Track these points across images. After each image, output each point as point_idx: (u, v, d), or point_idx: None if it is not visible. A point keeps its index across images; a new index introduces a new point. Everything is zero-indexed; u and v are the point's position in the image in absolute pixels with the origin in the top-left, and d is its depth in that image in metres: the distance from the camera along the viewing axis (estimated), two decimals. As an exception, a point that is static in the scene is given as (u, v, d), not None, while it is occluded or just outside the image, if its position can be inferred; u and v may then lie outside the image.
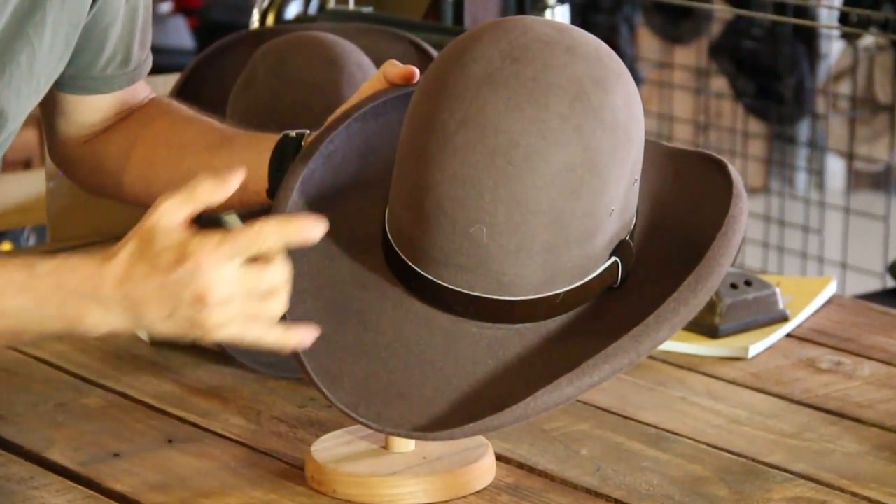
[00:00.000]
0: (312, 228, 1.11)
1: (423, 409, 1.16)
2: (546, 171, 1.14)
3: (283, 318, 1.17)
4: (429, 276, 1.18)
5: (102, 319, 1.13)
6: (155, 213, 1.12)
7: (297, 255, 1.21)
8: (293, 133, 1.32)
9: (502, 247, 1.15)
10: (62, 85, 1.38)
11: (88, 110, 1.41)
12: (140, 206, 1.43)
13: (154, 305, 1.11)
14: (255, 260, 1.11)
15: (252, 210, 1.37)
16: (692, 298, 1.16)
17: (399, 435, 1.18)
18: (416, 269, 1.19)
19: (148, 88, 1.45)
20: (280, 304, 1.12)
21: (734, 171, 1.23)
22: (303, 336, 1.14)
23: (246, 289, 1.10)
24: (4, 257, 1.15)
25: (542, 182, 1.14)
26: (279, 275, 1.12)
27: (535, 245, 1.16)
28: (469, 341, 1.19)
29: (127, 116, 1.42)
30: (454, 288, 1.18)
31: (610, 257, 1.20)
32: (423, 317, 1.19)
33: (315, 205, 1.24)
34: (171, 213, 1.12)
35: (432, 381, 1.17)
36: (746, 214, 1.20)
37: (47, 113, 1.43)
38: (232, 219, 1.52)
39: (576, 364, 1.14)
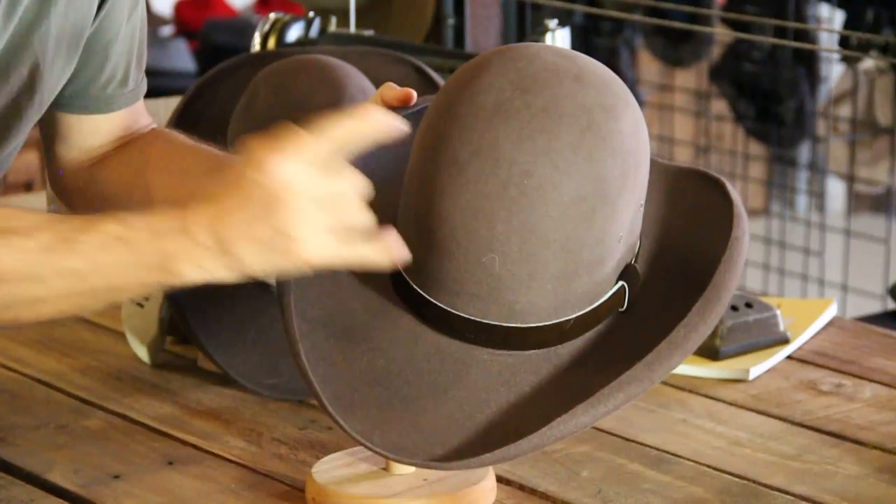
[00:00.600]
0: (388, 119, 1.10)
1: (437, 438, 1.16)
2: (558, 201, 1.14)
3: (296, 349, 1.17)
4: (441, 305, 1.18)
5: (196, 264, 1.11)
6: (247, 153, 1.12)
7: (305, 283, 1.21)
8: None
9: (514, 275, 1.16)
10: (63, 105, 1.38)
11: (88, 132, 1.41)
12: None
13: (247, 241, 1.10)
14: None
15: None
16: (701, 324, 1.16)
17: (416, 465, 1.18)
18: (428, 297, 1.19)
19: (149, 118, 1.45)
20: (366, 212, 1.11)
21: (732, 189, 1.24)
22: (397, 251, 1.13)
23: (330, 196, 1.09)
24: (97, 214, 1.14)
25: (554, 211, 1.14)
26: (356, 179, 1.11)
27: (547, 273, 1.16)
28: (481, 369, 1.19)
29: (127, 143, 1.43)
30: (466, 316, 1.18)
31: (617, 282, 1.20)
32: (435, 345, 1.20)
33: None
34: (264, 152, 1.11)
35: (446, 410, 1.17)
36: (748, 235, 1.21)
37: (48, 138, 1.43)
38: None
39: (589, 391, 1.14)
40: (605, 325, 1.21)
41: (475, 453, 1.14)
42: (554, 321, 1.18)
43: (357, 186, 1.12)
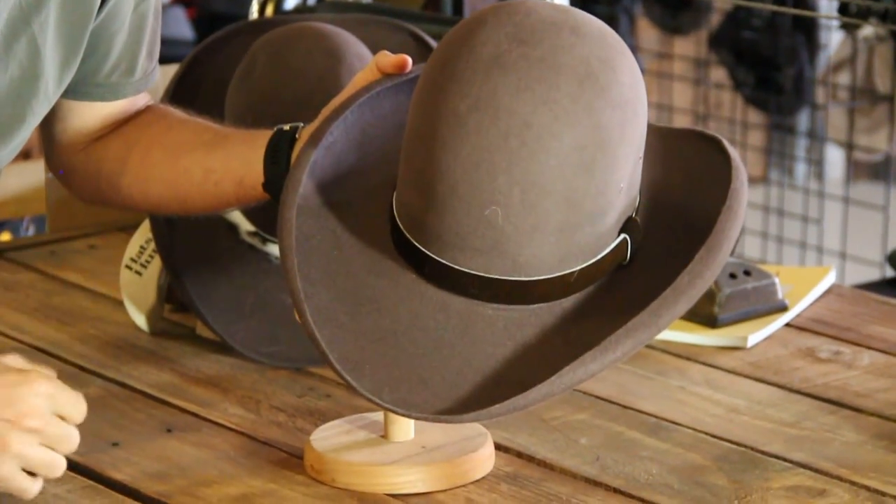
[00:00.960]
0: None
1: (446, 392, 1.16)
2: (559, 151, 1.14)
3: (302, 309, 1.17)
4: (443, 261, 1.18)
5: None
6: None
7: (306, 245, 1.21)
8: (287, 127, 1.32)
9: (517, 227, 1.16)
10: (66, 92, 1.38)
11: (90, 117, 1.40)
12: (136, 209, 1.43)
13: None
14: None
15: (249, 205, 1.37)
16: (706, 271, 1.16)
17: (426, 419, 1.18)
18: (430, 254, 1.19)
19: (147, 96, 1.44)
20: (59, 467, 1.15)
21: (730, 146, 1.24)
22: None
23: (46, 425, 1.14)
24: None
25: (555, 161, 1.14)
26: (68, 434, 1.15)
27: (549, 224, 1.16)
28: (486, 324, 1.19)
29: (124, 122, 1.42)
30: (469, 271, 1.18)
31: (619, 235, 1.20)
32: (439, 301, 1.20)
33: (319, 192, 1.24)
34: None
35: (453, 365, 1.18)
36: (747, 187, 1.21)
37: (47, 121, 1.42)
38: (234, 214, 1.52)
39: (595, 341, 1.14)
40: (608, 278, 1.21)
41: (483, 405, 1.14)
42: (557, 274, 1.18)
43: (71, 440, 1.15)
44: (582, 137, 1.15)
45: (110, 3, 1.33)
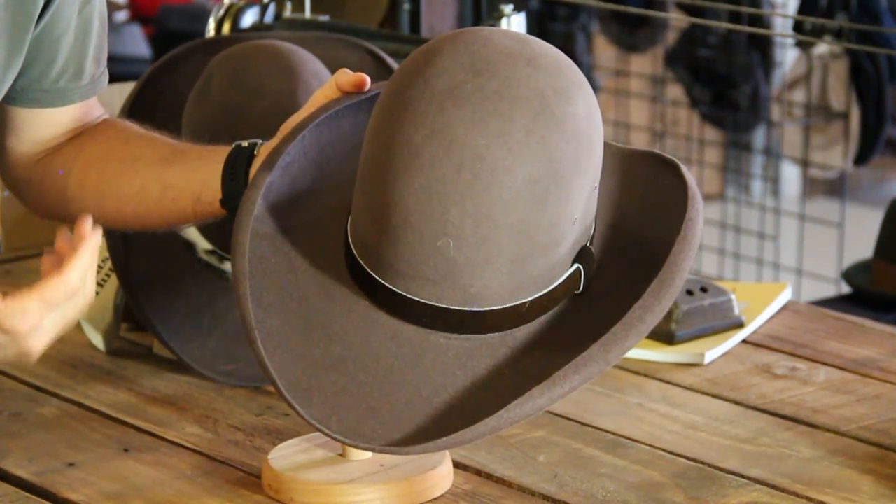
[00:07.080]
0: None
1: (394, 422, 1.16)
2: (512, 184, 1.15)
3: (253, 336, 1.17)
4: (396, 290, 1.18)
5: None
6: None
7: (260, 269, 1.21)
8: (245, 143, 1.32)
9: (469, 259, 1.16)
10: (14, 99, 1.37)
11: (41, 125, 1.40)
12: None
13: None
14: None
15: (207, 221, 1.36)
16: (657, 305, 1.17)
17: (373, 450, 1.18)
18: (383, 282, 1.19)
19: (101, 109, 1.44)
20: (82, 301, 1.17)
21: (686, 171, 1.24)
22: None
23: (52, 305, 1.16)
24: None
25: (508, 195, 1.15)
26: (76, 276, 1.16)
27: (501, 256, 1.16)
28: (437, 353, 1.19)
29: (79, 135, 1.42)
30: (422, 300, 1.18)
31: (573, 264, 1.20)
32: (391, 329, 1.20)
33: (275, 214, 1.24)
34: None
35: (402, 394, 1.18)
36: (703, 216, 1.21)
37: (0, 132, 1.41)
38: (191, 232, 1.52)
39: (546, 374, 1.15)
40: (561, 307, 1.21)
41: (432, 437, 1.14)
42: (510, 304, 1.18)
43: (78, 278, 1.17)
44: (535, 171, 1.15)
45: (53, 6, 1.33)
